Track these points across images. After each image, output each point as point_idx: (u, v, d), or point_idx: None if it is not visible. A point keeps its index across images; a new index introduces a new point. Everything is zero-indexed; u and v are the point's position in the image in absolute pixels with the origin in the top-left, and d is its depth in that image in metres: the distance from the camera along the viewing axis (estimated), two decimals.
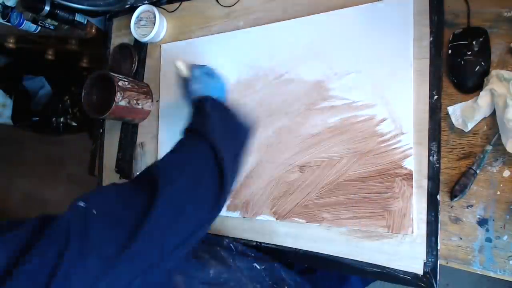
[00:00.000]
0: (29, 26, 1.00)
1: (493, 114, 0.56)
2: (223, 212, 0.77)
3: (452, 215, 0.59)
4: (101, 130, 0.99)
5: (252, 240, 0.74)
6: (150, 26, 0.86)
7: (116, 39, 0.98)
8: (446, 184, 0.59)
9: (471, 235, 0.57)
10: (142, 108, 0.87)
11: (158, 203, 0.42)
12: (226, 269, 0.62)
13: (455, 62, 0.59)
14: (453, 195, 0.58)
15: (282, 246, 0.71)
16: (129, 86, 0.83)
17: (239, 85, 0.77)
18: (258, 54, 0.76)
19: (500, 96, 0.53)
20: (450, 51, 0.60)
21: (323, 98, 0.68)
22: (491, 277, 0.56)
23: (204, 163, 0.50)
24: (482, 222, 0.57)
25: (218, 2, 0.82)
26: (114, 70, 0.92)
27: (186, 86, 0.67)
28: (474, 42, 0.57)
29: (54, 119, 1.52)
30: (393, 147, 0.61)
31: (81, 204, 0.42)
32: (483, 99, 0.55)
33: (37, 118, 1.53)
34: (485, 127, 0.57)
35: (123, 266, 0.39)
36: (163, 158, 0.52)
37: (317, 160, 0.67)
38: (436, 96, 0.60)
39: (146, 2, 0.88)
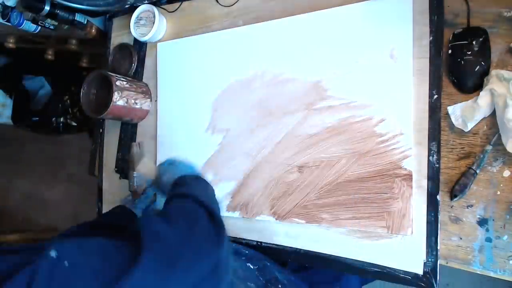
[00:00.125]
0: (29, 26, 1.00)
1: (493, 114, 0.56)
2: (223, 212, 0.77)
3: (452, 215, 0.59)
4: (101, 130, 0.99)
5: (252, 240, 0.74)
6: (150, 26, 0.86)
7: (116, 39, 0.98)
8: (446, 184, 0.59)
9: (471, 235, 0.57)
10: (141, 107, 0.87)
11: (144, 255, 0.38)
12: None
13: (455, 62, 0.59)
14: (453, 195, 0.58)
15: (282, 246, 0.71)
16: (127, 85, 0.83)
17: (237, 85, 0.77)
18: (256, 53, 0.75)
19: (500, 96, 0.53)
20: (450, 51, 0.60)
21: (321, 98, 0.68)
22: (491, 277, 0.56)
23: (191, 209, 0.52)
24: (482, 222, 0.57)
25: (217, 1, 0.82)
26: (114, 70, 0.92)
27: (158, 184, 0.73)
28: (474, 42, 0.57)
29: (54, 119, 1.52)
30: (392, 147, 0.61)
31: (53, 254, 0.37)
32: (483, 99, 0.55)
33: (37, 118, 1.53)
34: (485, 127, 0.57)
35: None
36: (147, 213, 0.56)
37: (316, 160, 0.67)
38: (436, 96, 0.59)
39: (146, 2, 0.88)
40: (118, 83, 0.81)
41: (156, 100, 0.88)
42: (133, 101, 0.85)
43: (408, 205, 0.59)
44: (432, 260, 0.58)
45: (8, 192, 1.94)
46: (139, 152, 0.87)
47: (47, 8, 0.86)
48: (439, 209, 0.58)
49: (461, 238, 0.58)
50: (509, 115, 0.52)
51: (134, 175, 0.85)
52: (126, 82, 0.83)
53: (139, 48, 0.93)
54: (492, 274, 0.56)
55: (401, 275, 0.60)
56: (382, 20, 0.64)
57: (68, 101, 1.52)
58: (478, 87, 0.58)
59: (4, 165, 1.89)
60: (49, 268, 0.36)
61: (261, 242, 0.73)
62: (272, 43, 0.74)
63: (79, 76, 1.40)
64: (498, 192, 0.56)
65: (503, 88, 0.54)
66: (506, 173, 0.56)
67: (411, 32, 0.61)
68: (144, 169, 0.73)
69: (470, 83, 0.58)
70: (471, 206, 0.58)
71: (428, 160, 0.59)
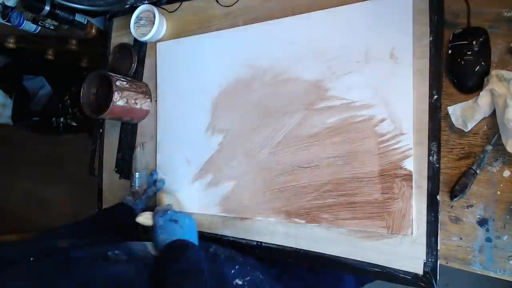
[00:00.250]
0: (29, 26, 1.00)
1: (493, 114, 0.56)
2: (224, 213, 0.77)
3: (452, 215, 0.59)
4: (101, 130, 0.99)
5: (252, 240, 0.74)
6: (150, 26, 0.86)
7: (116, 39, 0.98)
8: (446, 184, 0.59)
9: (471, 235, 0.57)
10: (141, 108, 0.87)
11: None
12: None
13: (455, 62, 0.59)
14: (453, 195, 0.58)
15: (283, 246, 0.71)
16: (127, 85, 0.83)
17: (237, 85, 0.77)
18: (255, 53, 0.75)
19: (500, 96, 0.53)
20: (450, 51, 0.60)
21: (321, 98, 0.68)
22: (491, 277, 0.56)
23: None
24: (482, 222, 0.57)
25: (217, 2, 0.82)
26: (114, 70, 0.92)
27: (153, 234, 0.65)
28: (474, 42, 0.57)
29: (54, 119, 1.52)
30: (392, 147, 0.61)
31: None
32: (483, 99, 0.55)
33: (37, 118, 1.53)
34: (485, 127, 0.57)
35: None
36: None
37: (316, 160, 0.67)
38: (436, 96, 0.59)
39: (146, 2, 0.88)
40: (118, 83, 0.81)
41: (156, 100, 0.88)
42: (133, 101, 0.85)
43: (408, 205, 0.59)
44: (432, 260, 0.58)
45: (8, 192, 1.94)
46: (142, 153, 0.88)
47: (47, 8, 0.86)
48: (439, 209, 0.58)
49: (461, 238, 0.58)
50: (509, 115, 0.52)
51: (136, 175, 0.86)
52: (126, 82, 0.83)
53: (139, 48, 0.93)
54: (492, 274, 0.56)
55: (401, 275, 0.60)
56: (382, 20, 0.64)
57: (68, 101, 1.52)
58: (478, 87, 0.58)
59: (4, 165, 1.89)
60: None
61: (261, 242, 0.73)
62: (272, 43, 0.74)
63: (79, 76, 1.40)
64: (498, 192, 0.56)
65: (503, 88, 0.54)
66: (506, 173, 0.56)
67: (411, 32, 0.61)
68: (144, 220, 0.67)
69: (470, 83, 0.58)
70: (471, 206, 0.58)
71: (428, 160, 0.59)
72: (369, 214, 0.62)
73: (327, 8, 0.69)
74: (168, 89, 0.87)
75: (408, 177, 0.60)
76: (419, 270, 0.58)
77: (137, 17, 0.88)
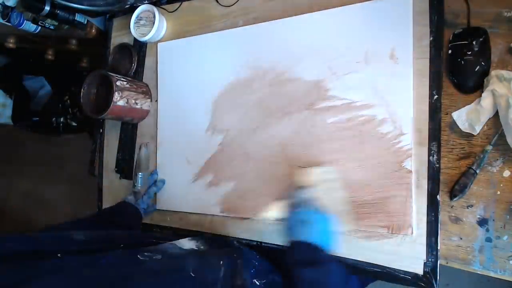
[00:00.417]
0: (29, 26, 1.00)
1: (494, 114, 0.56)
2: (224, 212, 0.77)
3: (452, 215, 0.59)
4: (101, 130, 0.99)
5: (252, 240, 0.74)
6: (150, 26, 0.86)
7: (116, 39, 0.98)
8: (446, 184, 0.59)
9: (471, 235, 0.57)
10: (141, 108, 0.87)
11: None
12: None
13: (455, 62, 0.59)
14: (452, 194, 0.58)
15: (283, 246, 0.71)
16: (127, 85, 0.83)
17: (237, 85, 0.77)
18: (256, 53, 0.75)
19: (502, 97, 0.53)
20: (450, 51, 0.60)
21: (322, 98, 0.68)
22: (491, 277, 0.56)
23: None
24: (482, 222, 0.57)
25: (217, 2, 0.82)
26: (114, 70, 0.92)
27: (285, 230, 0.57)
28: (474, 42, 0.57)
29: (54, 119, 1.52)
30: (393, 147, 0.61)
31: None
32: (486, 101, 0.55)
33: (37, 118, 1.53)
34: (485, 127, 0.57)
35: None
36: None
37: (316, 160, 0.67)
38: (436, 96, 0.59)
39: (146, 2, 0.88)
40: (118, 83, 0.81)
41: (156, 100, 0.88)
42: (133, 101, 0.85)
43: (408, 205, 0.59)
44: (432, 260, 0.58)
45: (8, 192, 1.94)
46: (146, 153, 0.88)
47: (47, 8, 0.86)
48: (439, 209, 0.58)
49: (461, 238, 0.58)
50: None
51: (139, 175, 0.85)
52: (126, 82, 0.83)
53: (139, 48, 0.93)
54: (492, 274, 0.56)
55: (401, 275, 0.60)
56: (382, 20, 0.64)
57: (68, 101, 1.52)
58: (478, 87, 0.58)
59: (4, 165, 1.89)
60: None
61: (261, 242, 0.73)
62: (273, 43, 0.74)
63: (79, 76, 1.40)
64: (498, 192, 0.56)
65: (504, 88, 0.54)
66: (506, 173, 0.56)
67: (411, 32, 0.61)
68: (273, 214, 0.59)
69: (470, 83, 0.58)
70: (471, 206, 0.58)
71: (429, 160, 0.59)
72: (369, 214, 0.62)
73: (327, 9, 0.69)
74: (169, 89, 0.87)
75: (408, 176, 0.60)
76: (419, 270, 0.58)
77: (137, 17, 0.88)
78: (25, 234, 0.48)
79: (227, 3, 0.81)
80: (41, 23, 0.98)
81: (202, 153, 0.80)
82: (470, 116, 0.57)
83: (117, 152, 0.95)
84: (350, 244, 0.64)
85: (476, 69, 0.57)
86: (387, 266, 0.61)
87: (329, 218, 0.55)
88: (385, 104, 0.62)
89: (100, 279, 0.41)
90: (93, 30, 1.02)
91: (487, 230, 0.56)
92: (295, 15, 0.72)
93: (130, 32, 0.88)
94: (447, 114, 0.60)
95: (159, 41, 0.89)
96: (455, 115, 0.58)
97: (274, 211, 0.59)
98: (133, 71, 0.92)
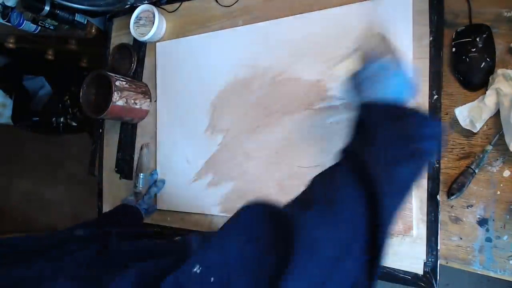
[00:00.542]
0: (29, 26, 1.00)
1: (494, 114, 0.56)
2: (224, 212, 0.77)
3: (452, 215, 0.59)
4: (100, 130, 0.99)
5: None
6: (149, 26, 0.86)
7: (116, 39, 0.98)
8: (446, 184, 0.59)
9: (471, 235, 0.57)
10: (140, 108, 0.87)
11: (288, 278, 0.31)
12: None
13: (460, 60, 0.59)
14: (450, 193, 0.58)
15: None
16: (127, 86, 0.83)
17: (237, 85, 0.77)
18: (255, 53, 0.75)
19: (506, 96, 0.53)
20: (454, 49, 0.59)
21: (321, 98, 0.68)
22: (491, 277, 0.56)
23: (357, 220, 0.36)
24: (482, 222, 0.57)
25: (217, 1, 0.82)
26: (114, 70, 0.92)
27: (355, 80, 0.48)
28: (478, 39, 0.57)
29: (54, 119, 1.52)
30: None
31: (196, 269, 0.32)
32: (490, 98, 0.55)
33: (37, 118, 1.53)
34: (485, 127, 0.57)
35: None
36: (304, 196, 0.41)
37: (316, 161, 0.67)
38: (436, 96, 0.59)
39: (145, 2, 0.88)
40: (117, 83, 0.81)
41: (156, 100, 0.88)
42: (132, 101, 0.85)
43: (409, 205, 0.59)
44: (432, 260, 0.58)
45: (8, 192, 1.94)
46: (147, 154, 0.88)
47: (47, 8, 0.87)
48: (439, 209, 0.58)
49: (461, 238, 0.58)
50: None
51: (141, 176, 0.85)
52: (125, 82, 0.83)
53: (139, 48, 0.93)
54: (492, 274, 0.56)
55: (401, 275, 0.60)
56: (382, 20, 0.64)
57: (68, 101, 1.52)
58: (484, 84, 0.58)
59: (4, 165, 1.89)
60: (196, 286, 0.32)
61: None
62: (272, 43, 0.74)
63: (79, 76, 1.40)
64: (498, 192, 0.56)
65: (509, 87, 0.53)
66: (506, 173, 0.56)
67: (411, 32, 0.61)
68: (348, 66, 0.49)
69: (476, 80, 0.58)
70: (471, 206, 0.58)
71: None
72: None
73: (327, 8, 0.69)
74: (168, 89, 0.87)
75: None
76: (419, 270, 0.58)
77: (136, 17, 0.88)
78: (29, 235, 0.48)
79: (227, 3, 0.81)
80: (41, 23, 0.98)
81: (202, 153, 0.80)
82: (472, 113, 0.56)
83: (117, 152, 0.95)
84: None
85: (481, 66, 0.57)
86: (387, 266, 0.61)
87: (406, 70, 0.46)
88: None
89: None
90: (93, 30, 1.02)
91: (487, 230, 0.56)
92: (295, 14, 0.72)
93: (130, 32, 0.88)
94: (447, 114, 0.60)
95: (159, 41, 0.89)
96: (457, 111, 0.58)
97: (343, 67, 0.50)
98: (133, 71, 0.92)
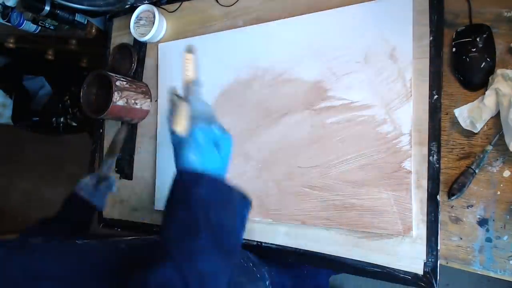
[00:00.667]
0: (29, 26, 1.00)
1: (496, 114, 0.56)
2: None
3: (452, 215, 0.59)
4: (101, 130, 0.99)
5: (252, 240, 0.74)
6: (150, 26, 0.86)
7: (116, 39, 0.98)
8: (446, 184, 0.59)
9: (471, 235, 0.57)
10: (141, 108, 0.87)
11: None
12: None
13: (460, 60, 0.59)
14: (450, 193, 0.58)
15: (282, 246, 0.71)
16: (127, 86, 0.83)
17: (237, 85, 0.77)
18: (256, 53, 0.75)
19: (505, 96, 0.53)
20: (454, 49, 0.59)
21: (321, 98, 0.68)
22: (491, 277, 0.56)
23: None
24: (482, 222, 0.57)
25: (217, 1, 0.82)
26: (114, 70, 0.92)
27: (178, 147, 0.47)
28: (478, 39, 0.57)
29: (54, 119, 1.52)
30: (392, 147, 0.61)
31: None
32: (489, 99, 0.55)
33: (37, 118, 1.53)
34: (486, 127, 0.57)
35: None
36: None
37: (316, 161, 0.67)
38: (436, 96, 0.59)
39: (146, 2, 0.88)
40: (118, 83, 0.81)
41: (156, 100, 0.88)
42: (133, 101, 0.85)
43: (408, 205, 0.59)
44: (432, 260, 0.58)
45: (8, 192, 1.94)
46: (124, 137, 0.87)
47: (47, 8, 0.87)
48: (439, 209, 0.58)
49: (461, 238, 0.58)
50: None
51: (109, 161, 0.86)
52: (126, 82, 0.83)
53: (139, 48, 0.93)
54: (492, 274, 0.56)
55: (401, 275, 0.60)
56: (382, 20, 0.64)
57: (68, 101, 1.52)
58: (484, 84, 0.58)
59: (4, 165, 1.89)
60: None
61: (261, 243, 0.73)
62: (272, 43, 0.74)
63: (79, 76, 1.41)
64: (498, 192, 0.56)
65: (508, 88, 0.53)
66: (506, 173, 0.56)
67: (411, 32, 0.61)
68: (180, 127, 0.48)
69: (476, 80, 0.58)
70: (471, 206, 0.58)
71: (428, 160, 0.59)
72: (369, 214, 0.62)
73: (327, 9, 0.69)
74: (169, 89, 0.87)
75: (408, 177, 0.60)
76: (419, 270, 0.58)
77: (137, 17, 0.88)
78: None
79: (227, 3, 0.81)
80: (41, 23, 0.98)
81: None
82: (472, 114, 0.56)
83: None
84: (350, 244, 0.64)
85: (481, 66, 0.57)
86: (387, 266, 0.61)
87: (229, 139, 0.47)
88: (385, 104, 0.62)
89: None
90: (93, 30, 1.02)
91: (487, 230, 0.56)
92: (295, 15, 0.72)
93: (130, 32, 0.88)
94: (447, 114, 0.60)
95: (159, 41, 0.89)
96: (457, 111, 0.57)
97: (180, 121, 0.47)
98: (133, 71, 0.92)
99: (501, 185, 0.56)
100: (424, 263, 0.58)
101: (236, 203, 0.45)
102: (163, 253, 0.39)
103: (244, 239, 0.74)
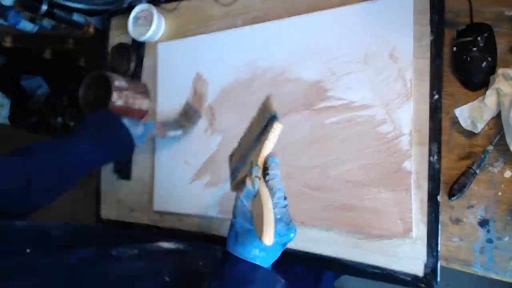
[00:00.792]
0: (26, 25, 0.99)
1: (497, 114, 0.56)
2: (223, 213, 0.76)
3: (453, 215, 0.58)
4: None
5: None
6: (148, 25, 0.86)
7: (115, 39, 0.98)
8: (447, 185, 0.59)
9: (472, 236, 0.57)
10: (139, 108, 0.87)
11: None
12: None
13: (461, 59, 0.58)
14: (451, 194, 0.57)
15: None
16: (126, 86, 0.83)
17: (236, 85, 0.77)
18: (255, 53, 0.75)
19: (506, 96, 0.53)
20: (455, 49, 0.59)
21: (321, 99, 0.68)
22: (492, 278, 0.56)
23: None
24: (483, 223, 0.56)
25: (216, 1, 0.82)
26: (112, 70, 0.92)
27: (243, 232, 0.49)
28: (479, 38, 0.56)
29: (52, 119, 1.51)
30: (392, 148, 0.61)
31: None
32: (490, 99, 0.55)
33: (35, 118, 1.52)
34: (486, 127, 0.57)
35: None
36: None
37: (315, 161, 0.67)
38: (436, 96, 0.59)
39: (144, 1, 0.87)
40: (117, 83, 0.80)
41: (156, 100, 0.88)
42: (131, 101, 0.84)
43: (408, 206, 0.59)
44: (433, 261, 0.57)
45: None
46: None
47: (44, 7, 0.86)
48: (440, 210, 0.58)
49: (461, 239, 0.58)
50: None
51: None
52: (125, 82, 0.83)
53: (138, 47, 0.92)
54: (493, 276, 0.56)
55: (401, 276, 0.59)
56: (382, 20, 0.63)
57: (66, 101, 1.51)
58: (484, 84, 0.57)
59: None
60: None
61: None
62: (272, 43, 0.73)
63: (77, 76, 1.40)
64: (499, 193, 0.56)
65: (509, 87, 0.53)
66: (507, 174, 0.56)
67: (411, 32, 0.61)
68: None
69: (477, 80, 0.58)
70: (472, 207, 0.57)
71: (429, 160, 0.59)
72: (369, 215, 0.62)
73: (327, 9, 0.68)
74: (168, 89, 0.86)
75: (408, 177, 0.59)
76: (420, 271, 0.58)
77: (135, 16, 0.88)
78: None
79: (226, 2, 0.81)
80: (38, 22, 0.97)
81: (201, 153, 0.80)
82: (472, 114, 0.56)
83: None
84: (350, 245, 0.64)
85: (482, 65, 0.57)
86: (387, 267, 0.61)
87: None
88: (385, 104, 0.62)
89: (67, 278, 0.40)
90: (91, 30, 1.02)
91: (488, 231, 0.56)
92: (295, 15, 0.72)
93: (129, 31, 0.88)
94: (447, 114, 0.59)
95: (158, 40, 0.89)
96: (458, 111, 0.57)
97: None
98: (132, 71, 0.92)
99: (502, 185, 0.56)
100: (424, 264, 0.58)
101: None
102: None
103: None
